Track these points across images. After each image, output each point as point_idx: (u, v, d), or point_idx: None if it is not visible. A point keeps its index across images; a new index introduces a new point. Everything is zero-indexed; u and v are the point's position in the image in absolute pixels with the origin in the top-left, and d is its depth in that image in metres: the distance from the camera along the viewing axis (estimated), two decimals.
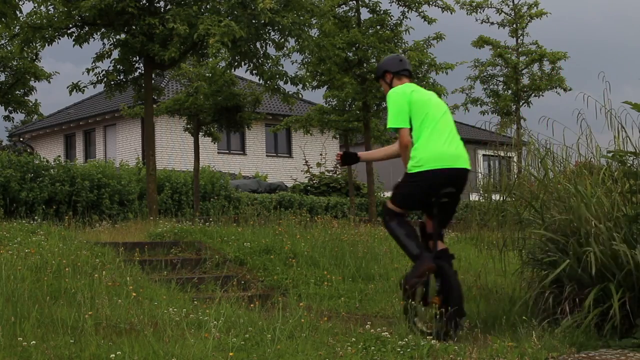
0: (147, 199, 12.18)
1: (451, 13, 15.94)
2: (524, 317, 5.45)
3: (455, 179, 5.45)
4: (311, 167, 23.57)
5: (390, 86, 5.81)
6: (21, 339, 4.09)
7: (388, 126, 5.66)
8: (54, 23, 11.39)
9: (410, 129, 5.52)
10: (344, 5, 15.84)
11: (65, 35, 11.74)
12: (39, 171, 12.89)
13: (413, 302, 5.23)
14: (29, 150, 30.58)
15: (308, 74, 15.29)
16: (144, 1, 11.74)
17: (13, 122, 18.98)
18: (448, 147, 5.48)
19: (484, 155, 28.54)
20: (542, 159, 6.25)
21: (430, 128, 5.49)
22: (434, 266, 5.34)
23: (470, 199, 8.43)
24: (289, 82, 12.24)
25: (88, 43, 12.01)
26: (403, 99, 5.56)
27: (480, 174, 8.01)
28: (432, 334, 4.95)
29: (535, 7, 21.57)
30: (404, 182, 5.54)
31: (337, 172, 23.83)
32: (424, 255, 5.37)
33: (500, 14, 21.76)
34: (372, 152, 6.88)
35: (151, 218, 10.87)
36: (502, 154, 7.18)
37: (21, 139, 32.98)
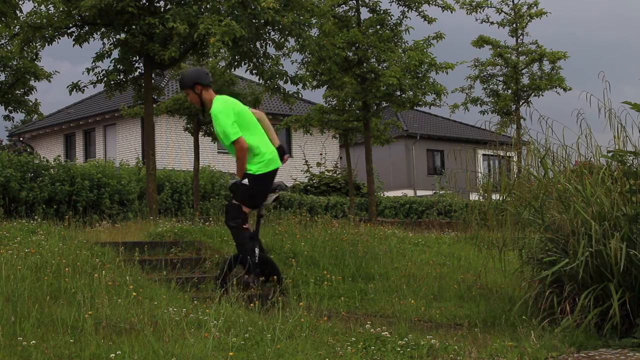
0: (147, 199, 12.17)
1: (451, 12, 15.93)
2: (523, 317, 5.46)
3: (275, 176, 6.48)
4: (311, 167, 23.56)
5: (200, 97, 6.50)
6: (21, 338, 4.10)
7: (231, 140, 6.21)
8: (54, 23, 11.37)
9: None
10: (343, 5, 15.83)
11: (65, 35, 11.73)
12: (39, 171, 12.89)
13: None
14: (28, 150, 30.58)
15: (308, 73, 15.28)
16: (144, 1, 11.72)
17: (13, 121, 18.99)
18: (273, 149, 6.41)
19: (483, 155, 28.59)
20: (542, 159, 6.25)
21: (258, 133, 6.38)
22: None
23: (471, 198, 8.42)
24: (289, 82, 12.22)
25: (88, 43, 11.99)
26: (231, 112, 6.27)
27: (480, 174, 8.01)
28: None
29: (535, 7, 21.57)
30: (254, 183, 6.29)
31: (337, 172, 23.83)
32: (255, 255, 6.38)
33: (500, 13, 21.77)
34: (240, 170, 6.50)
35: (151, 218, 10.86)
36: (502, 153, 7.18)
37: (21, 139, 32.98)
